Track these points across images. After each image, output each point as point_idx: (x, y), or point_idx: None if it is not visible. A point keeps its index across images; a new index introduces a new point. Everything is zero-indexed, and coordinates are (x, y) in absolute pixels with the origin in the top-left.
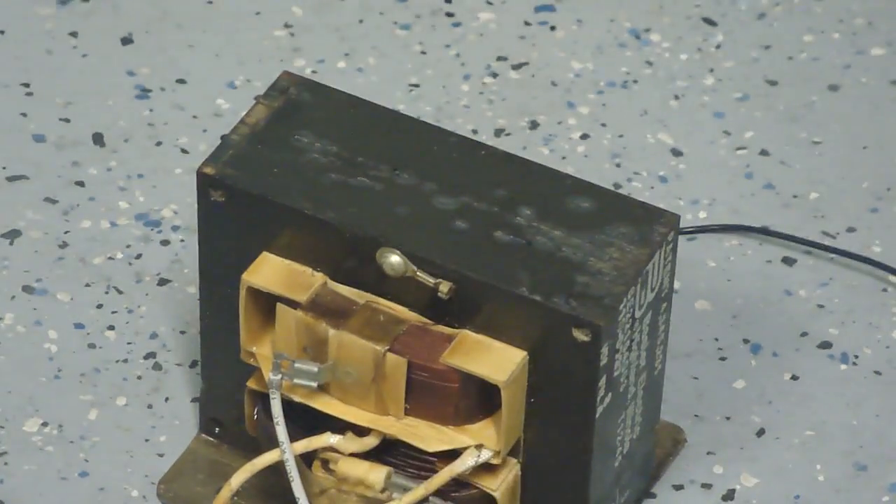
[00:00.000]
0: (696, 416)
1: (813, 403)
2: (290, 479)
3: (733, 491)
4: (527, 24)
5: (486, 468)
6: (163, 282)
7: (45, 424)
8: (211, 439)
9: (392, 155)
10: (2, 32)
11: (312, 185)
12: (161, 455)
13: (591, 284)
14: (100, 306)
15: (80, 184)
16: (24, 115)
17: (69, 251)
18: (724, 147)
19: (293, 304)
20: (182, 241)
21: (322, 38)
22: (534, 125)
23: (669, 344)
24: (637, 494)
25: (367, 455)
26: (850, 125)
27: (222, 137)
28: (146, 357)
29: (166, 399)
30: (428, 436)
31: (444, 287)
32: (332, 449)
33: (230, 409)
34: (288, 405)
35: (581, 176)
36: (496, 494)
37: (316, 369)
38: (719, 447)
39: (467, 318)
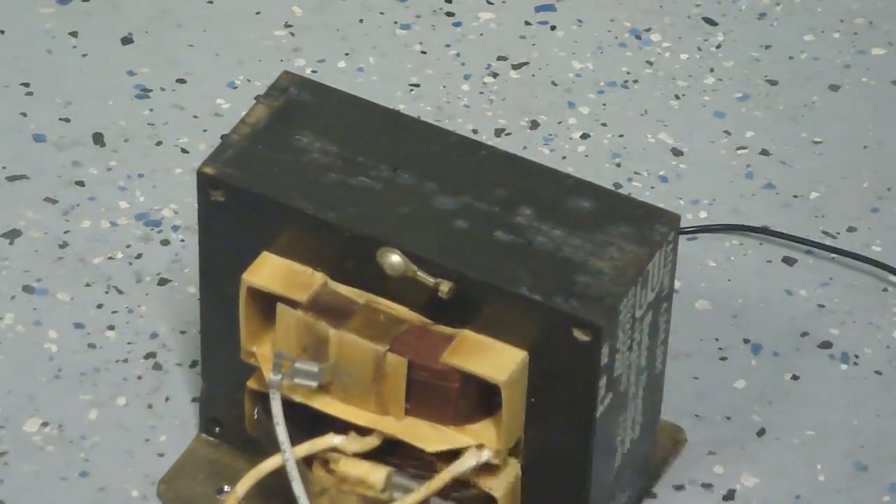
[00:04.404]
0: (696, 416)
1: (813, 403)
2: (291, 478)
3: (734, 491)
4: (527, 23)
5: (486, 468)
6: (163, 282)
7: (45, 424)
8: (211, 439)
9: (392, 155)
10: (2, 32)
11: (312, 184)
12: (161, 455)
13: (591, 284)
14: (100, 306)
15: (80, 184)
16: (24, 115)
17: (69, 251)
18: (725, 147)
19: (293, 303)
20: (182, 241)
21: (322, 38)
22: (534, 125)
23: (670, 344)
24: (637, 494)
25: (368, 455)
26: (851, 125)
27: (222, 137)
28: (146, 357)
29: (166, 399)
30: (428, 436)
31: (445, 287)
32: (334, 449)
33: (230, 409)
34: (288, 405)
35: (581, 176)
36: (496, 494)
37: (316, 369)
38: (719, 447)
39: (467, 317)
